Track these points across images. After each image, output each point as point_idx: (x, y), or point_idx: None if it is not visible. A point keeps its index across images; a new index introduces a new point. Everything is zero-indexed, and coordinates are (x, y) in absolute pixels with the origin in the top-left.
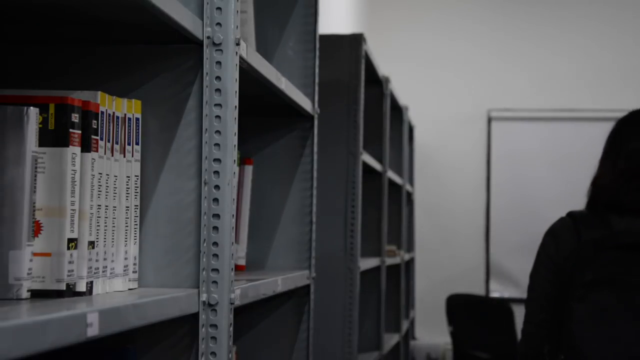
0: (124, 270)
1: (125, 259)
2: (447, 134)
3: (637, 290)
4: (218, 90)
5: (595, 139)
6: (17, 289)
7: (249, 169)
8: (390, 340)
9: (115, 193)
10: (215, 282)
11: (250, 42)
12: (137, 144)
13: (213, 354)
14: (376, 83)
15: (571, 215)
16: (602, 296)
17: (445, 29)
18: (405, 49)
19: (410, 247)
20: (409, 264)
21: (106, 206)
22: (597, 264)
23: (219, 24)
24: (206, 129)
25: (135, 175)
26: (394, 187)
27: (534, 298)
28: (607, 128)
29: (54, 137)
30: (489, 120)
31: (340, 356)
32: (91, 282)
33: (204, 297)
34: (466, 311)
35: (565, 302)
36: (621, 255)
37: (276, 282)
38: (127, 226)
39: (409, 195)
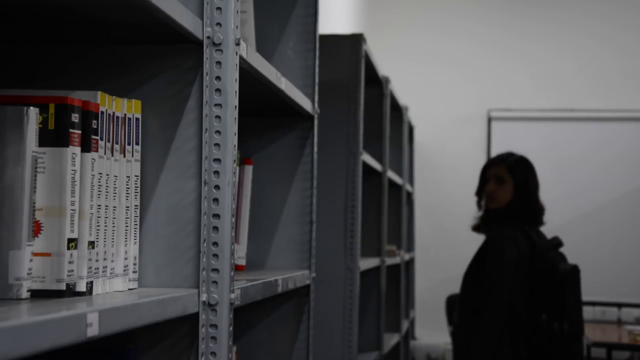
0: (124, 270)
1: (125, 259)
2: (447, 134)
3: (575, 274)
4: (218, 90)
5: (596, 139)
6: (17, 289)
7: (249, 169)
8: (390, 340)
9: (115, 193)
10: (215, 282)
11: (250, 42)
12: (137, 144)
13: (213, 354)
14: (376, 83)
15: (516, 228)
16: (573, 277)
17: (446, 29)
18: (405, 49)
19: (410, 247)
20: (409, 264)
21: (106, 206)
22: (559, 259)
23: (219, 24)
24: (206, 129)
25: (135, 175)
26: (394, 187)
27: (500, 298)
28: (607, 128)
29: (54, 137)
30: (489, 120)
31: (340, 356)
32: (91, 282)
33: (204, 297)
34: None
35: (553, 281)
36: (557, 253)
37: (276, 282)
38: (127, 226)
39: (409, 195)
